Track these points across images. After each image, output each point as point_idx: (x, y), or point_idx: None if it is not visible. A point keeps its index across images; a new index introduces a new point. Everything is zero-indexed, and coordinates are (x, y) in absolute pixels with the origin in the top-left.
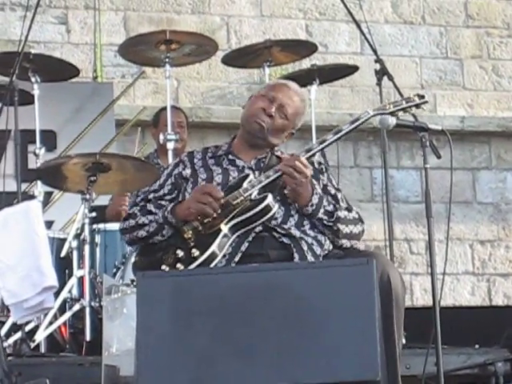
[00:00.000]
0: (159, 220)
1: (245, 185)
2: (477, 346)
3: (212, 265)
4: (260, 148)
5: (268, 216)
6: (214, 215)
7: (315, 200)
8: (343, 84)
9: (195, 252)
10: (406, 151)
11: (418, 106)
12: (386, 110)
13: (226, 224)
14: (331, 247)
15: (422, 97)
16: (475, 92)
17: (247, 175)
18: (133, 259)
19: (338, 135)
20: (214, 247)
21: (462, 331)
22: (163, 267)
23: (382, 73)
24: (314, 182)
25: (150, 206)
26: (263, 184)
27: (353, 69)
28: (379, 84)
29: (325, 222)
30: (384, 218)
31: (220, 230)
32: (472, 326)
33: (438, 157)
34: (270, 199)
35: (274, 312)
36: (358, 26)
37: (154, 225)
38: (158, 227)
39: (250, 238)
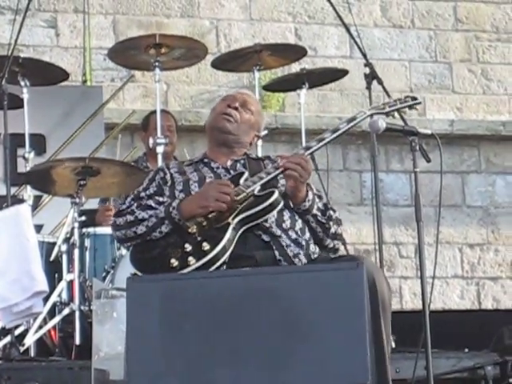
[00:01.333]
0: (160, 214)
1: (242, 182)
2: (466, 350)
3: (224, 258)
4: (232, 148)
5: (274, 211)
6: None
7: (310, 196)
8: (332, 88)
9: (206, 246)
10: (395, 155)
11: (411, 106)
12: (381, 109)
13: (234, 218)
14: (317, 250)
15: (415, 98)
16: (464, 96)
17: (242, 173)
18: (128, 257)
19: (336, 134)
20: (225, 241)
21: (451, 335)
22: (172, 261)
23: (372, 76)
24: None
25: (150, 202)
26: (265, 180)
27: (342, 72)
28: (369, 88)
29: (319, 218)
30: (373, 222)
31: (229, 224)
32: (461, 330)
33: (428, 161)
34: (276, 195)
35: (264, 316)
36: (348, 30)
37: (154, 219)
38: (157, 221)
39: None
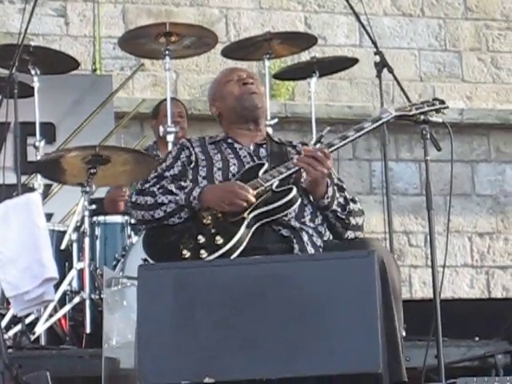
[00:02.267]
0: (180, 201)
1: (261, 174)
2: (477, 339)
3: (236, 253)
4: (259, 124)
5: (291, 209)
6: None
7: (330, 192)
8: (342, 76)
9: (219, 239)
10: (404, 144)
11: (438, 110)
12: (407, 111)
13: (249, 213)
14: (331, 237)
15: (443, 102)
16: (474, 84)
17: (262, 164)
18: (141, 240)
19: (360, 133)
20: (239, 236)
21: (461, 324)
22: (184, 252)
23: (382, 65)
24: None
25: (171, 186)
26: (284, 176)
27: (352, 61)
28: (379, 76)
29: (338, 214)
30: (384, 211)
31: (244, 219)
32: (471, 319)
33: (439, 149)
34: (294, 192)
35: (276, 304)
36: (358, 18)
37: (173, 206)
38: (176, 208)
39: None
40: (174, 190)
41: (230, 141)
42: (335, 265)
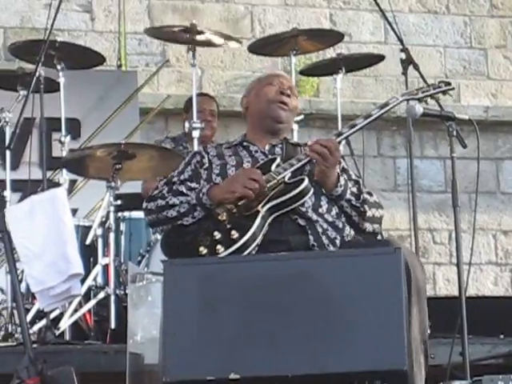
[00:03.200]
0: (192, 201)
1: (273, 168)
2: (502, 336)
3: (252, 246)
4: (279, 135)
5: (304, 199)
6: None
7: (342, 181)
8: (367, 73)
9: (234, 234)
10: (429, 141)
11: (444, 92)
12: (414, 95)
13: (263, 206)
14: (352, 233)
15: (448, 83)
16: (499, 82)
17: (274, 159)
18: (160, 241)
19: (368, 120)
20: (254, 229)
21: (486, 321)
22: (201, 249)
23: (408, 62)
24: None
25: (181, 188)
26: (296, 167)
27: (378, 58)
28: (405, 73)
29: (353, 202)
30: (409, 208)
31: (258, 212)
32: (496, 316)
33: (464, 146)
34: (306, 182)
35: (301, 301)
36: (384, 15)
37: (186, 206)
38: (189, 208)
39: (269, 222)
40: (184, 190)
41: (245, 144)
42: (362, 261)
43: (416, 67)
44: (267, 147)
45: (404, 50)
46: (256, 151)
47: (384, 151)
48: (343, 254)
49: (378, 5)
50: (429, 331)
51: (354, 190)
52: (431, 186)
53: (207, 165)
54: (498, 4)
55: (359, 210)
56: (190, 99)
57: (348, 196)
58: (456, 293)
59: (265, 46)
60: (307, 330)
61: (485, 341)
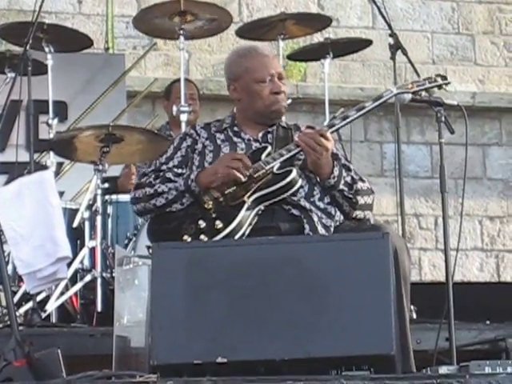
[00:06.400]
0: (180, 187)
1: (263, 157)
2: (488, 322)
3: (236, 237)
4: (271, 124)
5: (292, 190)
6: (243, 179)
7: (336, 172)
8: (354, 58)
9: (219, 224)
10: (416, 126)
11: (440, 86)
12: (409, 89)
13: (249, 197)
14: (342, 218)
15: (444, 77)
16: (486, 68)
17: (265, 147)
18: (146, 227)
19: (361, 112)
20: (238, 220)
21: (471, 307)
22: (185, 237)
23: (396, 47)
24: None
25: (169, 175)
26: (285, 158)
27: (366, 43)
28: (393, 58)
29: (345, 193)
30: (396, 193)
31: (244, 203)
32: (482, 302)
33: (452, 132)
34: (294, 174)
35: (288, 285)
36: (372, 0)
37: (174, 192)
38: (177, 195)
39: (260, 212)
40: (172, 177)
41: (236, 129)
42: (349, 246)
43: (404, 52)
44: (260, 134)
45: (392, 34)
46: (249, 139)
47: (371, 136)
48: (331, 238)
49: None
50: (414, 316)
51: (348, 179)
52: (417, 171)
53: (200, 149)
54: None
55: (351, 201)
56: (170, 85)
57: (341, 187)
58: (442, 278)
59: (252, 30)
60: (295, 314)
61: (471, 326)
